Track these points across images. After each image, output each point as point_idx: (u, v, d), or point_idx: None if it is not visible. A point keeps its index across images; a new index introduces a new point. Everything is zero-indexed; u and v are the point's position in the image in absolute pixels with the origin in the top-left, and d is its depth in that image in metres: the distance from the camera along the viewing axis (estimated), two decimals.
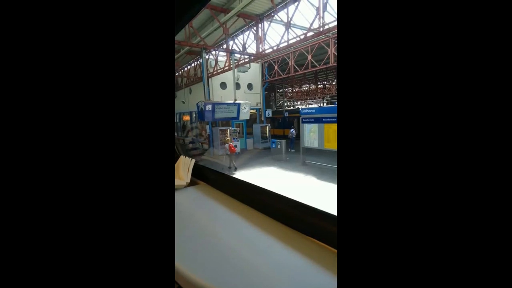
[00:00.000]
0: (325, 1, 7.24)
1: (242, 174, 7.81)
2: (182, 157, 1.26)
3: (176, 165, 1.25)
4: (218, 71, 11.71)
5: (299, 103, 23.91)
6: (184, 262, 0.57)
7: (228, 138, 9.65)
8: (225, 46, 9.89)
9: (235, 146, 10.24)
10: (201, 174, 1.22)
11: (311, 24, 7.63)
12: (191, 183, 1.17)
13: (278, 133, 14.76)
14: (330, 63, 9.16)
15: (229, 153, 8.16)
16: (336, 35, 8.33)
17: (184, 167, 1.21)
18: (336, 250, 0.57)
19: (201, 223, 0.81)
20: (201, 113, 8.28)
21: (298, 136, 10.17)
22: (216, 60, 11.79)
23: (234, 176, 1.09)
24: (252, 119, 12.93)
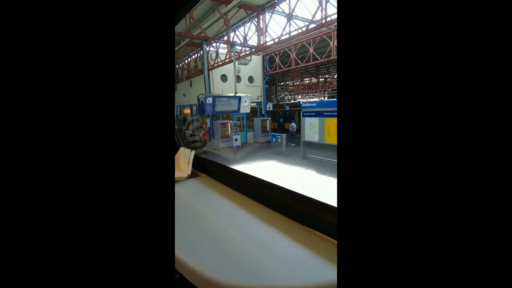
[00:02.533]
0: None
1: (242, 168, 7.82)
2: (182, 149, 1.26)
3: (176, 157, 1.25)
4: (219, 63, 11.59)
5: (300, 96, 23.78)
6: (187, 253, 0.58)
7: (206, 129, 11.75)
8: (226, 38, 9.75)
9: (236, 139, 10.97)
10: (202, 166, 1.22)
11: (313, 16, 7.50)
12: (192, 175, 1.18)
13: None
14: (332, 56, 9.05)
15: (203, 140, 10.68)
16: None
17: (184, 159, 1.21)
18: (336, 241, 0.57)
19: (203, 214, 0.82)
20: (201, 106, 8.24)
21: (299, 130, 10.15)
22: (217, 52, 11.65)
23: (231, 167, 1.10)
24: (253, 113, 12.89)
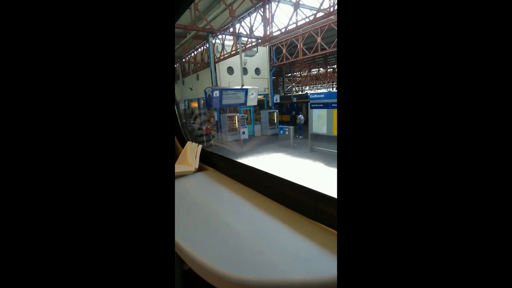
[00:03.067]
0: None
1: (249, 161, 7.89)
2: (189, 143, 1.26)
3: (183, 151, 1.26)
4: (225, 55, 11.51)
5: (307, 88, 23.41)
6: (193, 246, 0.59)
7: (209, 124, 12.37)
8: (231, 29, 9.63)
9: (243, 132, 11.13)
10: (209, 160, 1.23)
11: (321, 4, 7.27)
12: (200, 169, 1.19)
13: (286, 119, 14.62)
14: None
15: (206, 133, 11.00)
16: None
17: (191, 153, 1.22)
18: (336, 231, 0.58)
19: (209, 208, 0.83)
20: (208, 100, 8.26)
21: (306, 122, 10.05)
22: (223, 45, 11.55)
23: (238, 160, 1.10)
24: (260, 105, 12.82)
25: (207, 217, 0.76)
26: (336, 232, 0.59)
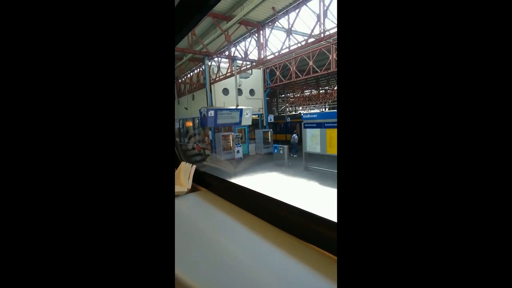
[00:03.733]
0: (325, 8, 7.34)
1: (243, 180, 7.80)
2: (182, 163, 1.26)
3: (177, 171, 1.25)
4: (221, 77, 11.82)
5: (301, 108, 23.97)
6: (184, 270, 0.57)
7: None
8: (227, 52, 10.02)
9: (238, 151, 11.20)
10: (202, 180, 1.21)
11: (312, 31, 7.71)
12: (193, 189, 1.17)
13: (280, 138, 14.76)
14: (331, 68, 9.20)
15: (196, 151, 11.76)
16: (336, 41, 8.37)
17: (185, 174, 1.21)
18: (336, 257, 0.56)
19: (202, 229, 0.81)
20: (203, 119, 8.33)
21: (300, 141, 10.16)
22: (219, 67, 11.91)
23: (232, 181, 1.09)
24: (254, 125, 12.98)
25: (199, 240, 0.74)
26: (332, 255, 0.58)
